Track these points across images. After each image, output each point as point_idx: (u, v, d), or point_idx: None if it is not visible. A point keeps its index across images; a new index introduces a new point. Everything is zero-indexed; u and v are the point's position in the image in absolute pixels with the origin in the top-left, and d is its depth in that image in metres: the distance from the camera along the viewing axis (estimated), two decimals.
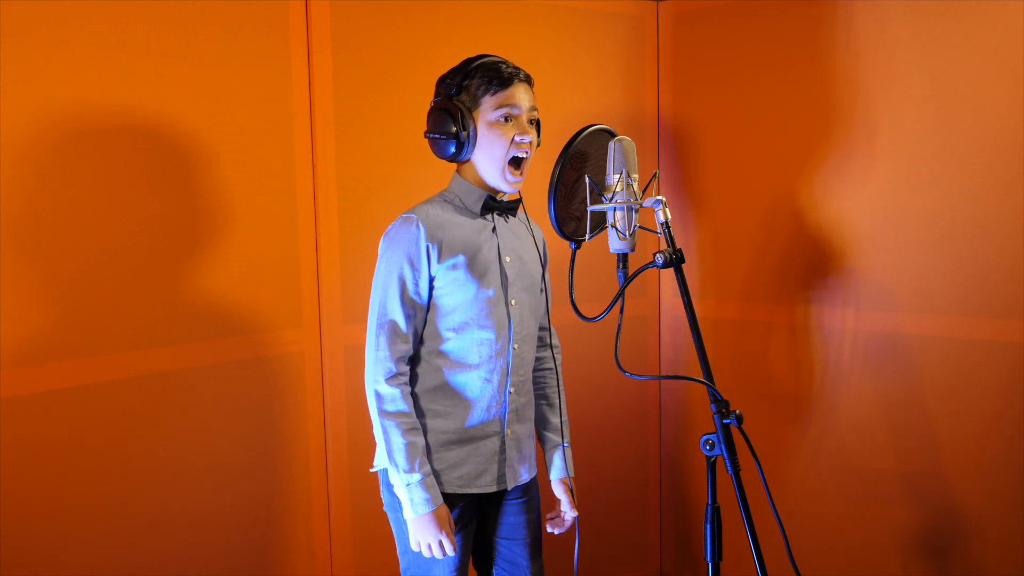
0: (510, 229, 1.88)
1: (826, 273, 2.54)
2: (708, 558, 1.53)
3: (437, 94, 1.82)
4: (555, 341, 2.04)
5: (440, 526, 1.74)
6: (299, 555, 2.29)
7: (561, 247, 2.05)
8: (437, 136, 1.77)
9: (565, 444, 2.00)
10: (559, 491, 2.00)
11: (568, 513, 2.00)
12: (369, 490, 2.37)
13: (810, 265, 2.57)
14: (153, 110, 1.99)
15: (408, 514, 1.75)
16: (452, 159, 1.80)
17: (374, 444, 2.34)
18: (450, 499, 1.81)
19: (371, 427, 2.35)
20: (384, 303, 1.77)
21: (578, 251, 1.79)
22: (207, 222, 2.09)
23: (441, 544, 1.75)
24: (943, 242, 2.29)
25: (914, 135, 2.32)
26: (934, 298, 2.31)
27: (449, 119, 1.75)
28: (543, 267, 1.96)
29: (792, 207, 2.60)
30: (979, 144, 2.20)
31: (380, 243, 1.81)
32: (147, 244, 2.00)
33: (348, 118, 2.28)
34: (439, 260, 1.75)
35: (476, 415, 1.82)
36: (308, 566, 2.31)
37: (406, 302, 1.76)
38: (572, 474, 2.00)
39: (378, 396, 1.76)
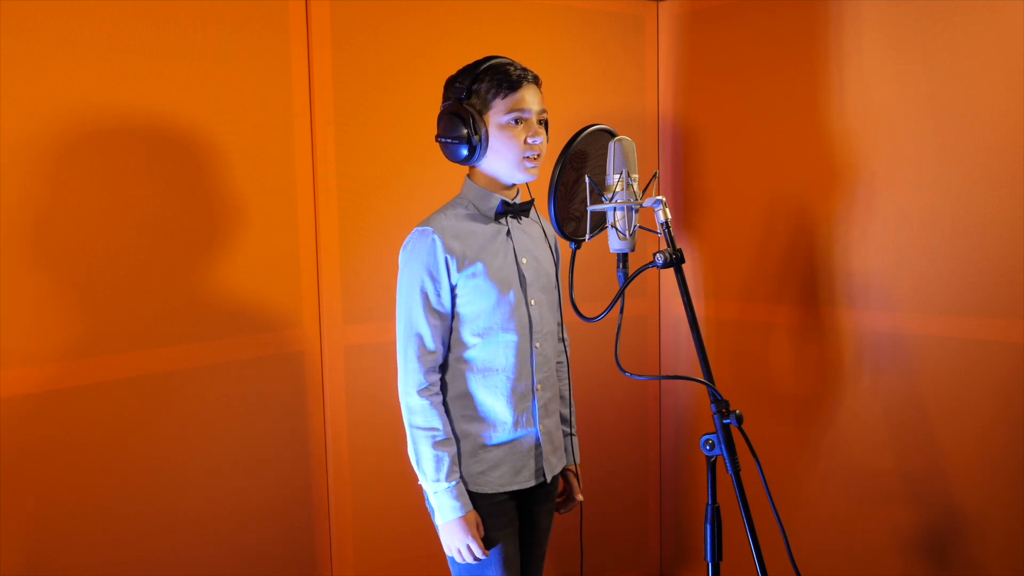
0: (523, 230, 1.90)
1: (826, 273, 2.54)
2: (708, 558, 1.53)
3: (446, 97, 1.82)
4: (565, 335, 2.06)
5: (467, 531, 1.78)
6: (299, 555, 2.29)
7: (561, 247, 2.05)
8: (449, 140, 1.79)
9: (572, 433, 2.04)
10: (567, 477, 2.06)
11: (576, 497, 2.06)
12: (369, 490, 2.37)
13: (810, 265, 2.57)
14: (153, 110, 1.99)
15: (437, 519, 1.80)
16: (464, 163, 1.81)
17: (374, 443, 2.35)
18: (489, 499, 1.84)
19: (371, 427, 2.36)
20: (409, 316, 1.80)
21: (578, 251, 1.80)
22: (207, 222, 2.09)
23: (470, 549, 1.78)
24: (943, 242, 2.29)
25: (914, 135, 2.32)
26: (934, 298, 2.31)
27: (460, 123, 1.76)
28: (556, 264, 1.98)
29: (792, 207, 2.60)
30: (979, 144, 2.20)
31: (399, 256, 1.83)
32: (147, 244, 2.00)
33: (348, 118, 2.28)
34: (459, 270, 1.77)
35: (509, 415, 1.84)
36: (308, 566, 2.31)
37: (430, 313, 1.79)
38: (578, 461, 2.06)
39: (409, 408, 1.80)
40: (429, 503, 1.85)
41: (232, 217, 2.13)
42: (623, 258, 1.62)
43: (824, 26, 2.47)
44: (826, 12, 2.46)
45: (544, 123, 1.83)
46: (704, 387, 1.54)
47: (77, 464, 1.92)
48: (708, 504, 1.52)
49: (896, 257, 2.38)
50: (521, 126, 1.77)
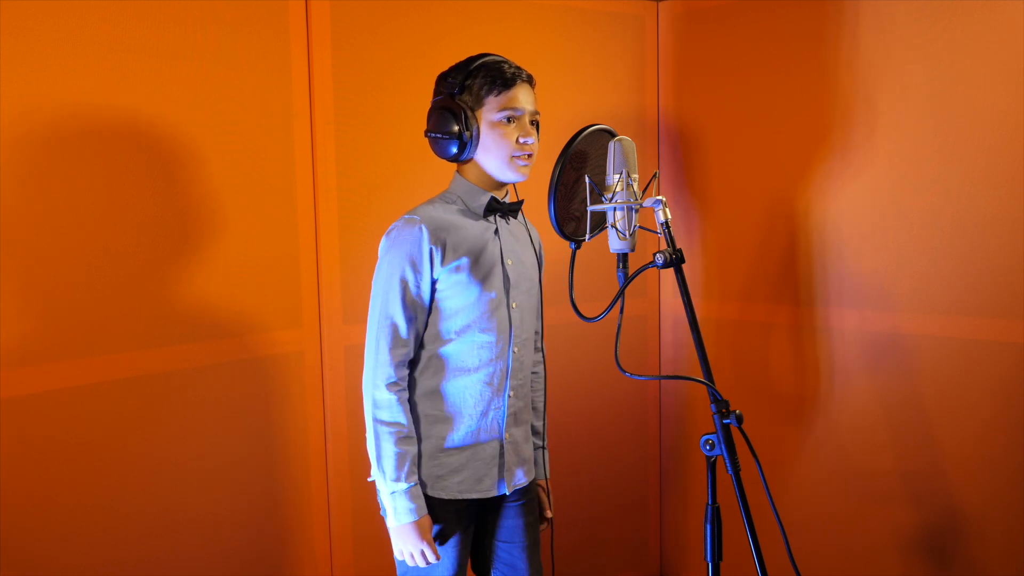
0: (511, 231, 1.87)
1: (826, 273, 2.54)
2: (708, 558, 1.53)
3: (438, 92, 1.80)
4: (541, 344, 2.02)
5: (422, 536, 1.73)
6: (299, 555, 2.29)
7: (561, 247, 2.05)
8: (439, 136, 1.76)
9: (543, 447, 2.01)
10: (537, 493, 2.00)
11: (545, 515, 2.01)
12: (369, 490, 2.36)
13: (810, 265, 2.57)
14: (153, 110, 1.99)
15: (391, 522, 1.75)
16: (453, 159, 1.78)
17: None
18: (448, 504, 1.80)
19: None
20: (385, 305, 1.74)
21: (578, 251, 1.79)
22: (207, 222, 2.09)
23: (423, 554, 1.74)
24: (943, 242, 2.29)
25: (914, 135, 2.32)
26: (934, 298, 2.31)
27: (451, 118, 1.74)
28: (540, 270, 1.95)
29: (792, 207, 2.60)
30: (979, 144, 2.20)
31: (381, 244, 1.79)
32: (147, 244, 2.00)
33: (348, 118, 2.28)
34: (443, 263, 1.73)
35: (476, 419, 1.80)
36: (308, 566, 2.31)
37: (407, 304, 1.74)
38: (548, 476, 2.02)
39: (375, 402, 1.74)
40: (382, 502, 1.80)
41: (232, 217, 2.13)
42: (623, 258, 1.61)
43: (824, 26, 2.47)
44: (826, 12, 2.46)
45: (535, 124, 1.80)
46: (704, 387, 1.54)
47: (77, 464, 1.92)
48: (708, 504, 1.52)
49: (896, 257, 2.38)
50: (513, 125, 1.75)
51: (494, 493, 1.84)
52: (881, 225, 2.40)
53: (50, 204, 1.86)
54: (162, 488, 2.05)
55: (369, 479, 1.84)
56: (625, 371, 1.59)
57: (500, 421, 1.83)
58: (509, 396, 1.84)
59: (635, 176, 1.59)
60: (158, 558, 2.05)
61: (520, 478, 1.89)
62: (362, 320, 2.32)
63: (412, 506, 1.73)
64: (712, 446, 1.49)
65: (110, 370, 1.96)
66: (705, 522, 1.52)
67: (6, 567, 1.83)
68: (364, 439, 2.34)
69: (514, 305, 1.83)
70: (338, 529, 2.34)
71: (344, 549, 2.35)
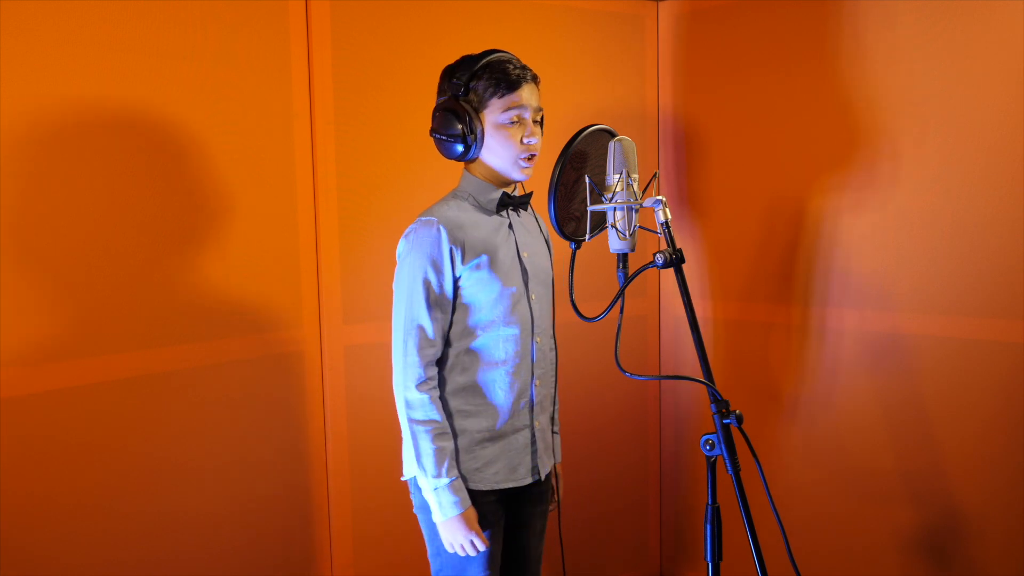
0: (522, 224, 1.90)
1: (826, 273, 2.54)
2: (708, 558, 1.53)
3: (442, 91, 1.81)
4: (552, 332, 2.05)
5: (470, 527, 1.77)
6: (299, 555, 2.29)
7: (561, 247, 2.05)
8: (444, 137, 1.77)
9: (556, 431, 2.03)
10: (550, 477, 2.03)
11: (554, 498, 2.04)
12: (369, 490, 2.37)
13: (810, 265, 2.57)
14: (153, 110, 1.99)
15: (437, 517, 1.78)
16: (459, 159, 1.80)
17: (374, 443, 2.35)
18: (485, 495, 1.82)
19: (371, 427, 2.35)
20: (410, 307, 1.76)
21: (578, 251, 1.79)
22: (207, 222, 2.09)
23: (472, 543, 1.77)
24: (943, 242, 2.29)
25: (914, 135, 2.32)
26: (934, 298, 2.31)
27: (456, 120, 1.75)
28: (550, 259, 1.98)
29: (792, 207, 2.60)
30: (979, 144, 2.20)
31: (399, 246, 1.81)
32: (147, 244, 2.00)
33: (348, 118, 2.28)
34: (463, 261, 1.75)
35: (506, 411, 1.83)
36: (308, 566, 2.31)
37: (432, 305, 1.76)
38: (559, 460, 2.05)
39: (408, 403, 1.77)
40: (420, 498, 1.83)
41: (232, 217, 2.13)
42: (623, 258, 1.62)
43: (824, 26, 2.47)
44: (826, 12, 2.46)
45: (539, 122, 1.82)
46: (704, 387, 1.54)
47: (77, 464, 1.92)
48: (708, 504, 1.52)
49: (896, 257, 2.38)
50: (517, 126, 1.76)
51: (529, 480, 1.88)
52: (881, 225, 2.40)
53: (50, 204, 1.86)
54: (162, 488, 2.05)
55: (402, 479, 1.87)
56: (625, 371, 1.60)
57: (529, 410, 1.87)
58: (535, 385, 1.87)
59: (635, 176, 1.60)
60: (158, 558, 2.05)
61: (547, 465, 1.93)
62: (362, 320, 2.33)
63: (456, 499, 1.76)
64: (712, 446, 1.49)
65: (110, 370, 1.96)
66: (705, 522, 1.52)
67: (6, 567, 1.83)
68: (364, 438, 2.35)
69: (533, 297, 1.86)
70: (338, 529, 2.34)
71: (344, 549, 2.35)
